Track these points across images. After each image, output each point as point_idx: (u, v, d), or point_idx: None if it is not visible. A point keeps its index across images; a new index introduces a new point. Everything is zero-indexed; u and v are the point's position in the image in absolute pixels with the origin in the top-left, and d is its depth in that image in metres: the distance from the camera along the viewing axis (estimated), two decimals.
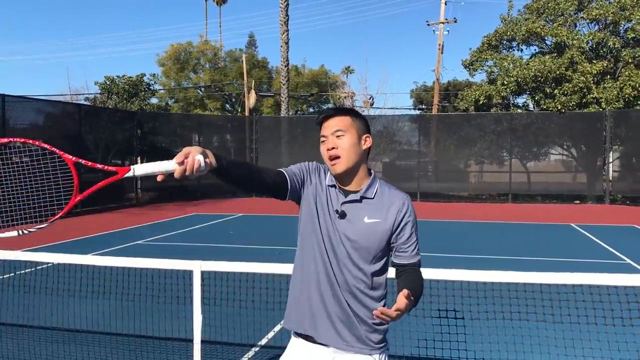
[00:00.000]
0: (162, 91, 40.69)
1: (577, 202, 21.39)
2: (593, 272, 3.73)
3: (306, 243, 2.23)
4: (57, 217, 2.01)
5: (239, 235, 12.75)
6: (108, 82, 28.46)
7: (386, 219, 2.17)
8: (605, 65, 21.51)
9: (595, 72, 21.30)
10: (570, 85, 21.36)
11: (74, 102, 29.66)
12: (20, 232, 2.01)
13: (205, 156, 1.87)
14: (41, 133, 18.23)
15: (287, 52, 26.96)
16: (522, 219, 16.00)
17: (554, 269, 3.83)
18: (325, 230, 2.17)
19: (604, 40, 21.78)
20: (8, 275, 6.09)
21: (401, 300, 1.95)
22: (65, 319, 5.63)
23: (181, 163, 1.84)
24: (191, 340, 4.27)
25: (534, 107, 23.91)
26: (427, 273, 3.98)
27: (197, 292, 4.24)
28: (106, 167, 1.98)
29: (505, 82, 22.64)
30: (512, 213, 17.83)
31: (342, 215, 2.16)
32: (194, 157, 1.83)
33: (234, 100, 41.90)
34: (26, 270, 5.90)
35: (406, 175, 24.56)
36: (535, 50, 24.72)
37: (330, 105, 40.83)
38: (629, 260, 9.54)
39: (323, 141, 2.20)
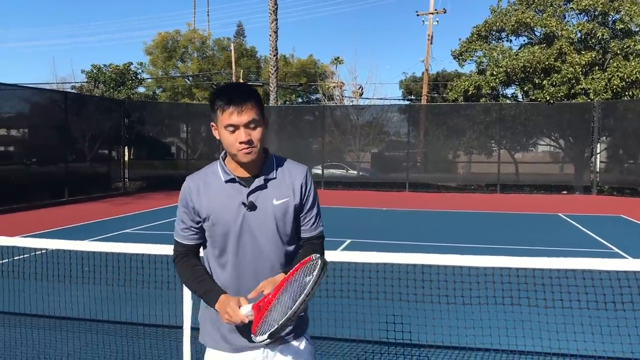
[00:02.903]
0: (150, 80, 40.34)
1: (565, 192, 21.53)
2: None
3: (215, 253, 2.13)
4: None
5: None
6: (95, 71, 28.17)
7: (294, 196, 2.12)
8: (593, 56, 21.60)
9: (584, 63, 21.38)
10: (558, 76, 21.43)
11: (60, 90, 29.29)
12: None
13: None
14: (27, 122, 18.01)
15: (276, 41, 26.77)
16: (510, 209, 16.07)
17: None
18: (236, 229, 2.07)
19: (593, 31, 21.85)
20: (2, 262, 6.00)
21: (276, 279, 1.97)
22: (57, 305, 5.57)
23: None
24: (181, 327, 4.23)
25: (522, 97, 23.99)
26: (421, 258, 3.98)
27: None
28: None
29: (495, 73, 22.67)
30: (500, 203, 17.92)
31: (252, 206, 2.07)
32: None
33: None
34: (23, 256, 5.82)
35: (395, 166, 24.58)
36: (524, 40, 24.77)
37: (318, 96, 40.67)
38: (616, 249, 9.61)
39: (232, 130, 2.02)
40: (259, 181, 2.09)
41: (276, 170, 2.14)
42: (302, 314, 2.13)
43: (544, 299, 4.22)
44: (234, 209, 2.07)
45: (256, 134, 2.05)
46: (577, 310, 4.20)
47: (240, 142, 2.02)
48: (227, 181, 2.10)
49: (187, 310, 4.16)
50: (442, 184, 23.23)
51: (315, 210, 2.19)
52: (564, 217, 14.19)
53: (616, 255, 9.08)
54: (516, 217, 14.40)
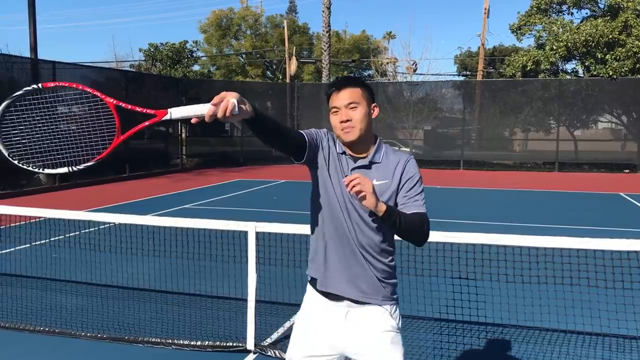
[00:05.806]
0: (204, 58, 40.97)
1: (627, 171, 20.82)
2: None
3: (321, 206, 2.35)
4: (102, 156, 2.23)
5: (283, 201, 12.94)
6: (152, 49, 28.84)
7: (393, 179, 2.29)
8: None
9: None
10: (623, 50, 20.58)
11: (119, 68, 30.18)
12: (71, 168, 2.25)
13: (241, 102, 1.91)
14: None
15: (329, 17, 26.69)
16: (569, 188, 15.71)
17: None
18: (340, 193, 2.28)
19: None
20: (73, 234, 6.39)
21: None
22: (127, 276, 5.91)
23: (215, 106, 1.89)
24: (245, 299, 4.44)
25: (583, 73, 23.19)
26: (479, 238, 4.04)
27: (252, 252, 4.39)
28: (145, 110, 2.14)
29: (555, 47, 21.97)
30: (558, 182, 17.52)
31: None
32: (228, 100, 1.88)
33: (274, 67, 41.89)
34: (90, 229, 6.19)
35: (449, 143, 24.28)
36: (586, 13, 23.89)
37: (371, 72, 40.45)
38: None
39: (335, 112, 2.28)
40: (363, 161, 2.31)
41: (382, 156, 2.33)
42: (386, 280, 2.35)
43: (604, 280, 4.22)
44: (339, 176, 2.29)
45: (356, 115, 2.26)
46: (638, 291, 4.18)
47: (341, 122, 2.25)
48: (339, 153, 2.34)
49: (251, 283, 4.37)
50: (498, 162, 22.83)
51: (418, 191, 2.31)
52: (625, 196, 13.78)
53: None
54: (575, 196, 14.08)
